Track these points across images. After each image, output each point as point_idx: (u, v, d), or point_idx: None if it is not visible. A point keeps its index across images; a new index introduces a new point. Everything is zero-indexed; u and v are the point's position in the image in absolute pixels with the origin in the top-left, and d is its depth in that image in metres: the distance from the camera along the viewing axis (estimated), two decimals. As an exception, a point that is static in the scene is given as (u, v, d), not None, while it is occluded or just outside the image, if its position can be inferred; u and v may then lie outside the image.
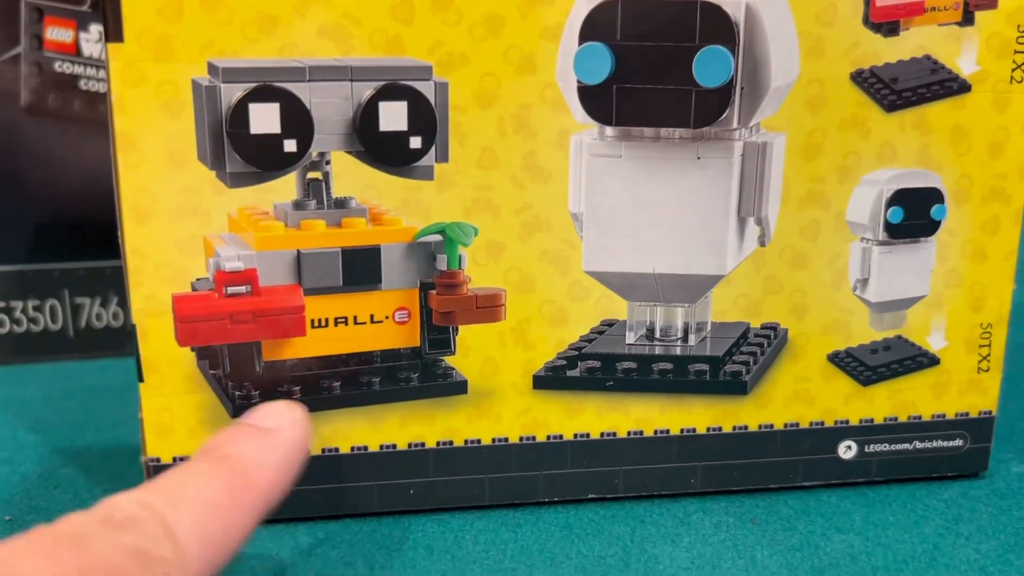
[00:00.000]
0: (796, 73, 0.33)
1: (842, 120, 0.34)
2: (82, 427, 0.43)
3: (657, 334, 0.36)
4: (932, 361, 0.37)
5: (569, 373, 0.35)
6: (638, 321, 0.36)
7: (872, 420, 0.37)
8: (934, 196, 0.35)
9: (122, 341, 0.53)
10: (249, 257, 0.32)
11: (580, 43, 0.32)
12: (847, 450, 0.37)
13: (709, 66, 0.31)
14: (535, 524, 0.35)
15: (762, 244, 0.35)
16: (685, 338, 0.36)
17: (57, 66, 0.49)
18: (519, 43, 0.32)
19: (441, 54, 0.32)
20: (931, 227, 0.36)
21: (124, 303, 0.52)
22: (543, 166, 0.33)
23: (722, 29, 0.31)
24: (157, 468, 0.34)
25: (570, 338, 0.35)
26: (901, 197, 0.35)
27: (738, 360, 0.36)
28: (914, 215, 0.35)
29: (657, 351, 0.36)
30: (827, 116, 0.34)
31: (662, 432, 0.36)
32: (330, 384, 0.34)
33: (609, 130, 0.33)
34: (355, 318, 0.34)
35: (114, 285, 0.52)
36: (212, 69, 0.31)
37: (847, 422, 0.37)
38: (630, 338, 0.36)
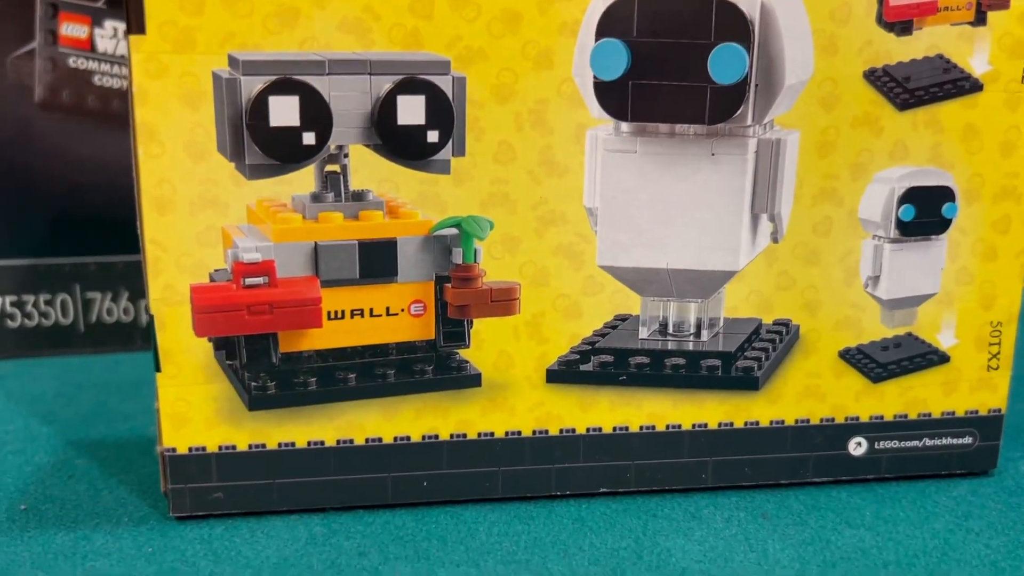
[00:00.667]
0: (810, 71, 0.34)
1: (855, 118, 0.34)
2: (94, 420, 0.44)
3: (670, 329, 0.37)
4: (942, 359, 0.37)
5: (582, 367, 0.35)
6: (651, 316, 0.36)
7: (882, 417, 0.37)
8: (946, 194, 0.36)
9: (132, 336, 0.53)
10: (267, 248, 0.32)
11: (597, 39, 0.32)
12: (857, 446, 0.37)
13: (724, 63, 0.32)
14: (547, 517, 0.35)
15: (775, 240, 0.35)
16: (698, 333, 0.36)
17: (71, 62, 0.50)
18: (537, 38, 0.32)
19: (459, 49, 0.32)
20: (942, 225, 0.36)
21: (135, 298, 0.52)
22: (559, 161, 0.33)
23: (737, 26, 0.31)
24: (173, 458, 0.34)
25: (584, 332, 0.35)
26: (913, 195, 0.35)
27: (750, 356, 0.36)
28: (926, 213, 0.36)
29: (670, 346, 0.36)
30: (840, 114, 0.34)
31: (674, 427, 0.36)
32: (345, 376, 0.34)
33: (624, 126, 0.34)
34: (371, 310, 0.34)
35: (125, 280, 0.52)
36: (232, 62, 0.31)
37: (857, 419, 0.37)
38: (643, 333, 0.36)
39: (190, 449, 0.34)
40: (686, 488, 0.37)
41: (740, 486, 0.37)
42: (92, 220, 0.51)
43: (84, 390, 0.47)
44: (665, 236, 0.34)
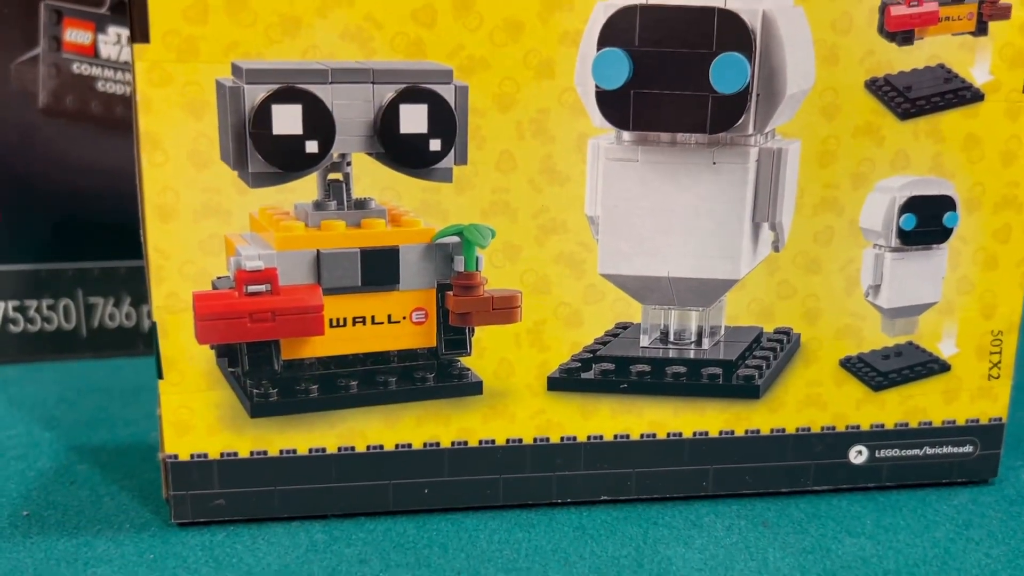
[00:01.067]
0: (811, 80, 0.34)
1: (856, 127, 0.34)
2: (96, 425, 0.44)
3: (671, 337, 0.37)
4: (943, 367, 0.37)
5: (583, 375, 0.35)
6: (652, 324, 0.36)
7: (883, 425, 0.37)
8: (946, 203, 0.36)
9: (135, 341, 0.53)
10: (269, 256, 0.32)
11: (598, 48, 0.32)
12: (858, 455, 0.37)
13: (726, 72, 0.32)
14: (548, 524, 0.35)
15: (776, 249, 0.35)
16: (699, 342, 0.37)
17: (75, 68, 0.50)
18: (538, 48, 0.32)
19: (462, 58, 0.32)
20: (943, 234, 0.36)
21: (137, 303, 0.52)
22: (560, 169, 0.33)
23: (739, 36, 0.31)
24: (175, 465, 0.34)
25: (585, 340, 0.35)
26: (914, 204, 0.35)
27: (751, 364, 0.36)
28: (927, 222, 0.36)
29: (671, 354, 0.36)
30: (841, 123, 0.34)
31: (675, 435, 0.36)
32: (347, 383, 0.34)
33: (626, 134, 0.34)
34: (373, 318, 0.34)
35: (128, 285, 0.52)
36: (236, 70, 0.31)
37: (858, 427, 0.37)
38: (644, 341, 0.36)
39: (192, 456, 0.34)
40: (687, 496, 0.37)
41: (741, 494, 0.37)
42: (95, 225, 0.51)
43: (86, 395, 0.47)
44: (666, 244, 0.34)
